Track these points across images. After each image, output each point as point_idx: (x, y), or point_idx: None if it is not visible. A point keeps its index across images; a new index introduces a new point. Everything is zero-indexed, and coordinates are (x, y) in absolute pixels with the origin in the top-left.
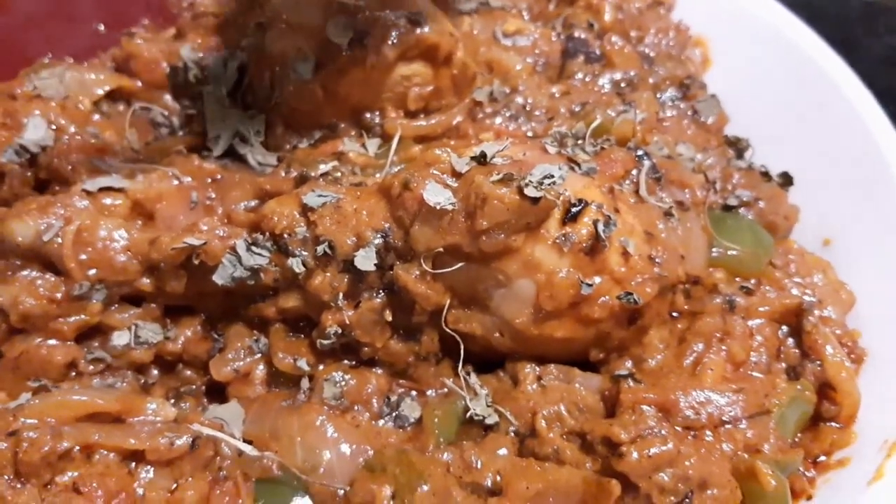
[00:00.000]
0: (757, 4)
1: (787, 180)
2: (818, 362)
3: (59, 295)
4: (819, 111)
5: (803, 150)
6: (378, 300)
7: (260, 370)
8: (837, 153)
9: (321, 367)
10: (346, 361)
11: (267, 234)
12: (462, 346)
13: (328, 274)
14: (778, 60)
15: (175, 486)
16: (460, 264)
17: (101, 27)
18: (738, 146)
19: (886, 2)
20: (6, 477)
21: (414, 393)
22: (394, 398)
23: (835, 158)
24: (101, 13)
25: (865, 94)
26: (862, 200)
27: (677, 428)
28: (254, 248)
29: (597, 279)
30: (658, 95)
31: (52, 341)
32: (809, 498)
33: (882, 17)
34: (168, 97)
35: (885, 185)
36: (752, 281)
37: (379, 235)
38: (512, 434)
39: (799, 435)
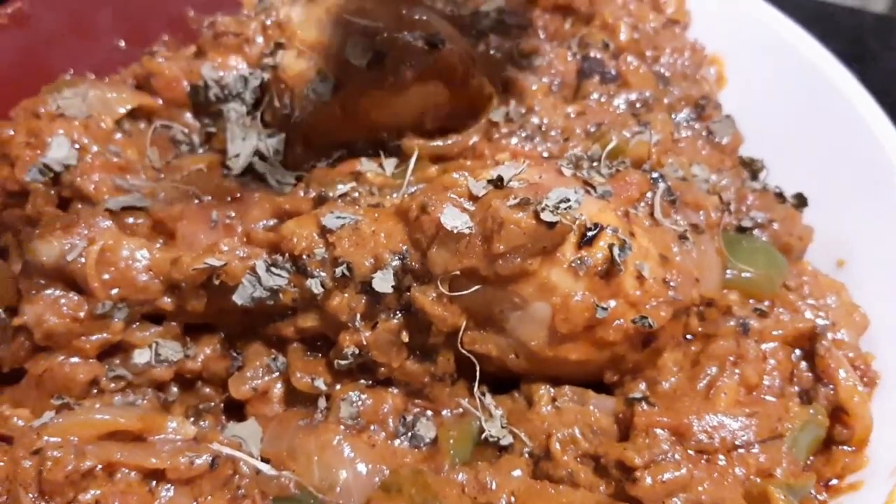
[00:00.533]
0: (773, 23)
1: (801, 201)
2: (831, 386)
3: (82, 314)
4: (834, 131)
5: (818, 170)
6: (395, 321)
7: (278, 389)
8: (852, 174)
9: (338, 386)
10: (362, 381)
11: (286, 254)
12: (478, 367)
13: (346, 295)
14: (793, 79)
15: None
16: (477, 287)
17: (122, 43)
18: (752, 167)
19: None
20: (31, 495)
21: (430, 413)
22: (409, 418)
23: (849, 179)
24: (121, 29)
25: (881, 115)
26: (876, 222)
27: (690, 452)
28: (273, 268)
29: (612, 303)
30: (673, 116)
31: (75, 359)
32: None
33: None
34: (188, 115)
35: None
36: (766, 303)
37: (396, 257)
38: (526, 455)
39: (811, 458)
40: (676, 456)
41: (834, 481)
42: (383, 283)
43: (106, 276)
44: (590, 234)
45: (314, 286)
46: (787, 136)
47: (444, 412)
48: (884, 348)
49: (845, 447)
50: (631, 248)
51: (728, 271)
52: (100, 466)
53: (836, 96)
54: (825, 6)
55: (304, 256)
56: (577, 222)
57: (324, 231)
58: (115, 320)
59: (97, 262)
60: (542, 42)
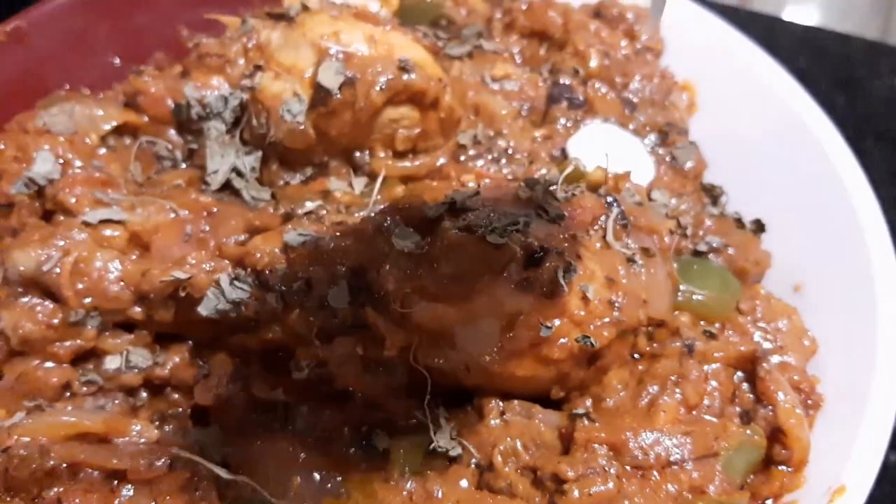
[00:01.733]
0: (743, 52)
1: (759, 227)
2: (770, 408)
3: (56, 321)
4: (795, 160)
5: (780, 198)
6: (351, 336)
7: (240, 397)
8: (811, 203)
9: (298, 397)
10: (322, 391)
11: (249, 269)
12: (429, 382)
13: (304, 309)
14: (758, 108)
15: None
16: (427, 304)
17: (117, 60)
18: (712, 193)
19: (890, 42)
20: None
21: (384, 424)
22: (364, 429)
23: (808, 208)
24: (116, 46)
25: (842, 145)
26: (832, 249)
27: (627, 467)
28: (236, 282)
29: (556, 322)
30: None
31: (49, 364)
32: None
33: (885, 57)
34: (172, 132)
35: (854, 238)
36: (717, 325)
37: (352, 274)
38: (473, 466)
39: (751, 477)
40: (612, 470)
41: (769, 501)
42: (339, 299)
43: (80, 286)
44: (536, 256)
45: (274, 300)
46: (751, 163)
47: (399, 423)
48: (830, 372)
49: (784, 467)
50: (576, 271)
51: (680, 294)
52: (64, 465)
53: (798, 126)
54: (816, 31)
55: (267, 271)
56: (524, 244)
57: (286, 247)
58: (88, 328)
59: (71, 273)
60: (515, 67)
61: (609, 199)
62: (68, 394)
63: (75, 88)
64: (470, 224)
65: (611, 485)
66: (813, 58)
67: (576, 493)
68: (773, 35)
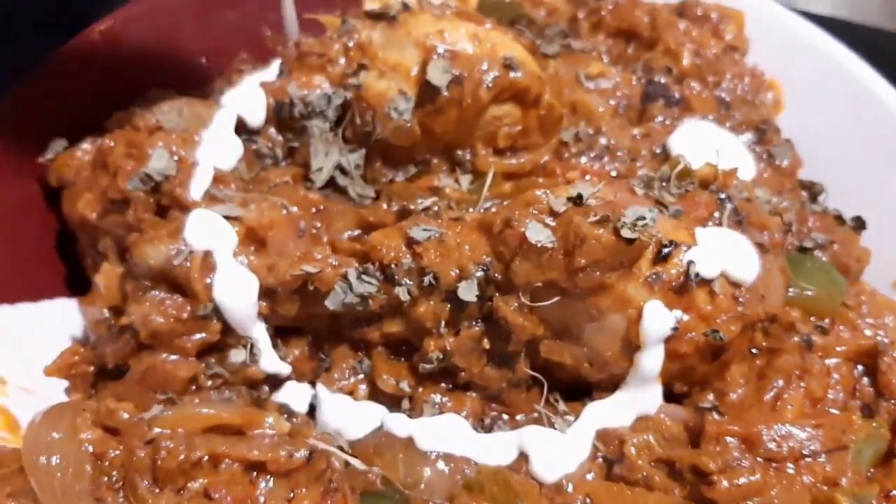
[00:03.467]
0: (828, 49)
1: (859, 224)
2: (892, 401)
3: (184, 314)
4: (888, 155)
5: (872, 193)
6: (477, 329)
7: (363, 389)
8: None
9: (420, 389)
10: (443, 384)
11: (376, 263)
12: (544, 378)
13: (431, 303)
14: (848, 104)
15: (292, 495)
16: (556, 298)
17: (203, 59)
18: (812, 190)
19: None
20: (146, 482)
21: (506, 416)
22: (487, 421)
23: None
24: (203, 47)
25: None
26: None
27: (759, 459)
28: (364, 276)
29: (685, 316)
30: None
31: (175, 357)
32: None
33: None
34: (272, 130)
35: None
36: (827, 320)
37: (480, 268)
38: (601, 460)
39: (872, 470)
40: (747, 462)
41: (894, 492)
42: (468, 292)
43: (208, 280)
44: (665, 250)
45: (402, 294)
46: (843, 159)
47: (518, 417)
48: None
49: None
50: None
51: (790, 289)
52: (206, 457)
53: (890, 120)
54: (872, 32)
55: (393, 266)
56: (654, 239)
57: (410, 242)
58: (215, 321)
59: (200, 267)
60: (608, 66)
61: (721, 195)
62: (194, 387)
63: (164, 87)
64: (602, 218)
65: (758, 476)
66: (873, 58)
67: (724, 484)
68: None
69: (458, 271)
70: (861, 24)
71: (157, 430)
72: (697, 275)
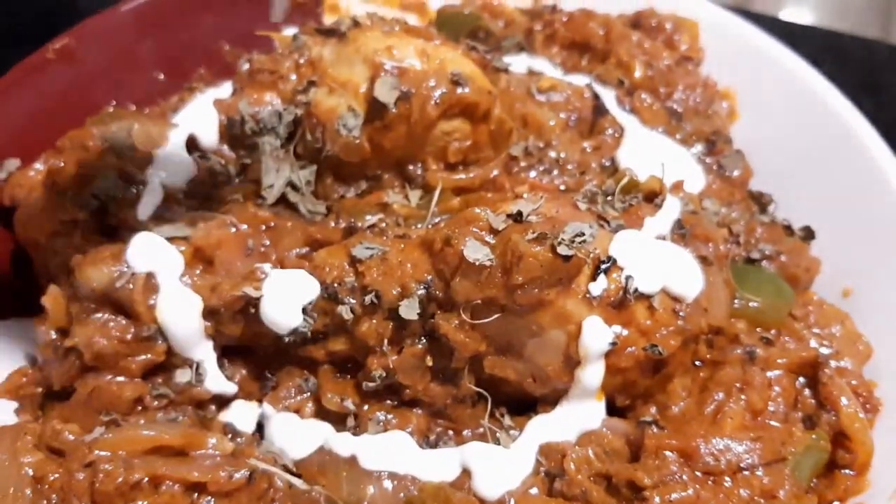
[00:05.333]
0: (783, 59)
1: (808, 234)
2: (833, 412)
3: (128, 336)
4: (840, 165)
5: (824, 202)
6: (420, 346)
7: (309, 407)
8: (858, 206)
9: (366, 406)
10: (388, 402)
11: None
12: (490, 395)
13: (374, 321)
14: (802, 114)
15: None
16: (497, 315)
17: (161, 76)
18: (761, 201)
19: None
20: None
21: (451, 432)
22: (432, 437)
23: (855, 211)
24: (160, 62)
25: (886, 150)
26: (881, 253)
27: (697, 473)
28: None
29: (624, 331)
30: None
31: (121, 378)
32: None
33: None
34: (225, 147)
35: None
36: (773, 331)
37: (422, 287)
38: (543, 474)
39: (815, 481)
40: (685, 477)
41: (836, 503)
42: (409, 310)
43: (151, 302)
44: (603, 266)
45: (344, 312)
46: (796, 169)
47: (465, 432)
48: (886, 376)
49: (847, 471)
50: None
51: (736, 301)
52: (146, 479)
53: (843, 131)
54: (837, 37)
55: (336, 284)
56: (591, 255)
57: (354, 261)
58: (159, 342)
59: (143, 289)
60: (560, 78)
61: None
62: (140, 408)
63: (122, 104)
64: (539, 236)
65: (690, 491)
66: (836, 62)
67: (657, 499)
68: (795, 41)
69: (399, 290)
70: (838, 31)
71: (97, 452)
72: (636, 290)
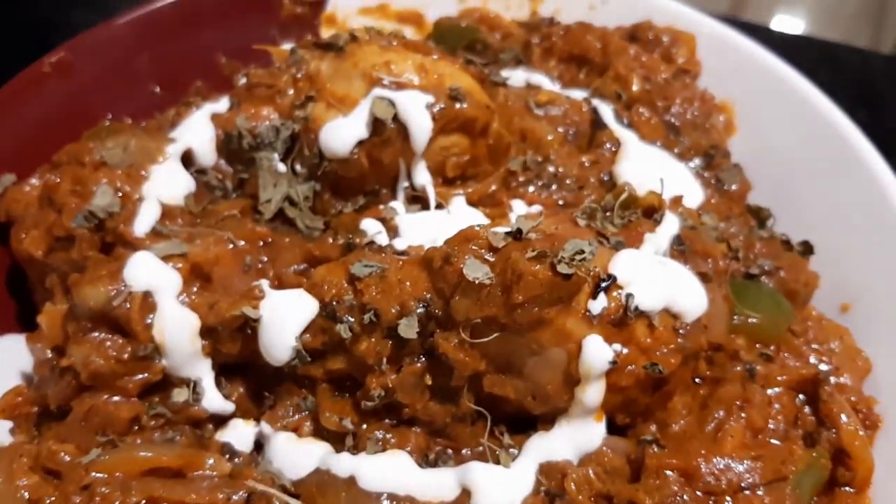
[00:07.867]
0: (780, 72)
1: (807, 249)
2: (833, 430)
3: (125, 355)
4: (839, 179)
5: (822, 215)
6: (419, 365)
7: (307, 426)
8: (856, 220)
9: (364, 425)
10: (387, 420)
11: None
12: (490, 413)
13: (373, 339)
14: (800, 127)
15: None
16: (496, 333)
17: (157, 89)
18: (760, 215)
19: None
20: None
21: (450, 451)
22: (432, 456)
23: (854, 225)
24: (157, 75)
25: (883, 164)
26: (880, 268)
27: (698, 493)
28: None
29: (624, 349)
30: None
31: (118, 398)
32: None
33: None
34: (222, 161)
35: None
36: (772, 347)
37: (421, 305)
38: (543, 494)
39: (815, 499)
40: (685, 497)
41: None
42: (408, 329)
43: (148, 321)
44: (603, 284)
45: (343, 331)
46: (795, 183)
47: (464, 451)
48: (886, 392)
49: (848, 488)
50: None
51: (735, 317)
52: (144, 502)
53: (840, 143)
54: (832, 47)
55: (334, 303)
56: (591, 273)
57: (352, 279)
58: (156, 361)
59: (140, 308)
60: (558, 92)
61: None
62: (136, 427)
63: (118, 118)
64: (539, 254)
65: None
66: (833, 72)
67: None
68: (790, 51)
69: (398, 308)
70: (833, 42)
71: (94, 474)
72: (637, 308)
